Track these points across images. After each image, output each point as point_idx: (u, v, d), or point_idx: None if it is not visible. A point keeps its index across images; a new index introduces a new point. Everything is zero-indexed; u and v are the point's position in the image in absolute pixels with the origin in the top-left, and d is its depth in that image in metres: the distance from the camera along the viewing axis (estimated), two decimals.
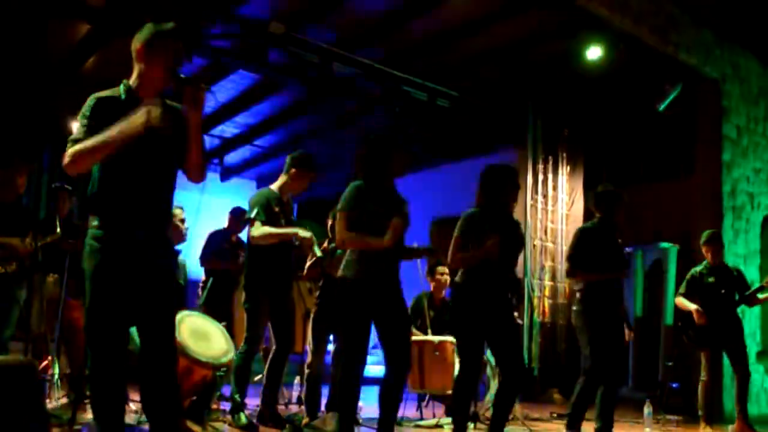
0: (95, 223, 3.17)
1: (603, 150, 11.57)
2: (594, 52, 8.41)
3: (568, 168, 10.82)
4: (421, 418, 6.56)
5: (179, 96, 3.24)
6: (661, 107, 8.78)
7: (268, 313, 5.51)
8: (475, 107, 9.94)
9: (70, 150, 3.07)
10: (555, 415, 7.61)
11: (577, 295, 5.52)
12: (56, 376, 5.92)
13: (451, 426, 5.00)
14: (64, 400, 5.82)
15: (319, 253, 5.52)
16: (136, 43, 3.29)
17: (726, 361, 7.07)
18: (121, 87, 3.26)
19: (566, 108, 10.47)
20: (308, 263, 6.07)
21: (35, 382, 3.14)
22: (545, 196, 10.43)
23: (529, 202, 10.10)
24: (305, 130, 11.40)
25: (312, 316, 6.11)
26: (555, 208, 10.57)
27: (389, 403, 4.43)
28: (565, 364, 10.30)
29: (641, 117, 10.05)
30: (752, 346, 9.30)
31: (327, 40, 8.15)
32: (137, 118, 3.06)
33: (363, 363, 4.43)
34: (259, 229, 5.38)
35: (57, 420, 4.89)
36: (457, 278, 4.90)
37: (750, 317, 9.13)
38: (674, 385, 7.89)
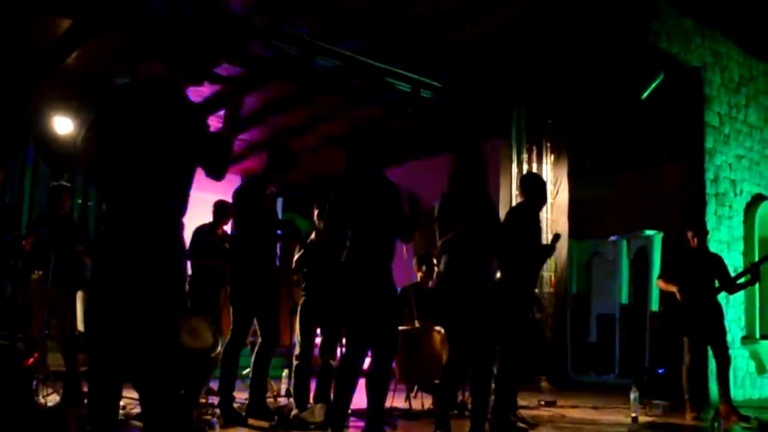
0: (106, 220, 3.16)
1: (586, 139, 11.62)
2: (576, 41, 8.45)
3: (552, 158, 10.87)
4: (410, 409, 6.59)
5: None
6: (643, 96, 8.82)
7: (253, 307, 5.52)
8: (459, 98, 9.96)
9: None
10: (543, 402, 7.66)
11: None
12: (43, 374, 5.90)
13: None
14: (54, 397, 5.81)
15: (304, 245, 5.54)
16: (167, 40, 3.34)
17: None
18: (147, 79, 3.28)
19: (549, 98, 10.50)
20: (296, 256, 6.08)
21: (18, 364, 3.12)
22: None
23: (513, 191, 10.14)
24: (289, 124, 11.37)
25: (299, 308, 6.12)
26: None
27: (377, 392, 4.48)
28: (552, 353, 10.37)
29: (624, 106, 10.09)
30: (737, 331, 9.39)
31: (309, 33, 8.14)
32: None
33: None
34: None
35: (45, 416, 4.88)
36: (440, 267, 4.92)
37: (734, 303, 9.21)
38: (660, 371, 7.96)
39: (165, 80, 3.26)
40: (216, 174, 3.33)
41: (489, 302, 4.76)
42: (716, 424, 5.23)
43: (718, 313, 6.91)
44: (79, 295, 5.17)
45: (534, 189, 6.01)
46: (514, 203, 10.04)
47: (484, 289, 4.73)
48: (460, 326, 4.70)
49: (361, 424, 5.12)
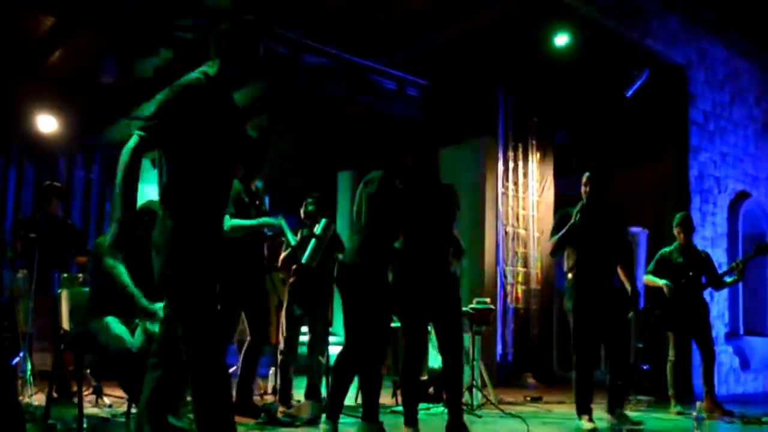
0: (170, 216, 3.16)
1: (572, 137, 11.67)
2: (561, 40, 8.47)
3: (538, 156, 10.91)
4: (397, 404, 6.60)
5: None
6: (629, 94, 8.86)
7: (241, 305, 5.51)
8: (445, 96, 9.97)
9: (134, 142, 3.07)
10: (529, 398, 7.69)
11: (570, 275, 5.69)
12: (29, 372, 5.87)
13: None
14: (39, 396, 5.79)
15: (293, 242, 5.53)
16: (218, 38, 3.31)
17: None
18: (201, 75, 3.25)
19: (535, 96, 10.54)
20: (283, 254, 6.08)
21: (5, 362, 3.09)
22: (516, 184, 10.51)
23: (500, 189, 10.18)
24: (275, 121, 11.36)
25: (285, 305, 6.12)
26: (526, 195, 10.65)
27: (369, 387, 4.55)
28: (538, 349, 10.41)
29: (609, 104, 10.14)
30: (721, 327, 9.46)
31: (296, 32, 8.14)
32: None
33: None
34: (228, 223, 5.38)
35: (31, 415, 4.87)
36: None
37: (718, 299, 9.28)
38: (645, 367, 8.00)
39: (225, 79, 3.29)
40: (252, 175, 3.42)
41: (450, 298, 4.77)
42: (700, 419, 5.25)
43: (703, 309, 6.96)
44: (65, 294, 5.14)
45: None
46: (500, 201, 10.08)
47: (444, 283, 4.77)
48: (414, 319, 4.71)
49: (350, 420, 5.14)
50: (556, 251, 5.79)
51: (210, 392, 3.10)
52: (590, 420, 5.37)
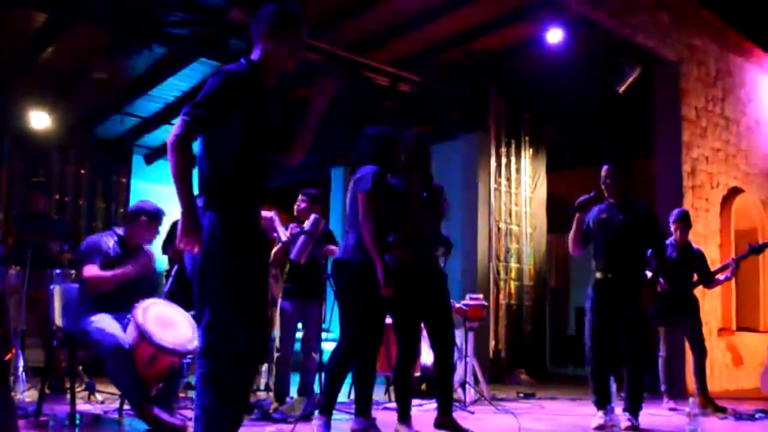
0: (214, 207, 3.05)
1: (565, 133, 11.68)
2: (554, 35, 8.47)
3: (531, 151, 10.92)
4: (390, 401, 6.61)
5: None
6: (621, 89, 8.87)
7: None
8: (438, 92, 9.97)
9: (187, 129, 2.98)
10: (522, 395, 7.71)
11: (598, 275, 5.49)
12: (21, 369, 5.87)
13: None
14: (31, 392, 5.78)
15: (284, 238, 5.52)
16: (263, 23, 3.21)
17: None
18: (246, 63, 3.19)
19: (528, 92, 10.55)
20: (274, 248, 6.06)
21: None
22: (509, 180, 10.51)
23: (492, 185, 10.19)
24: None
25: (279, 302, 6.12)
26: (518, 191, 10.66)
27: (362, 383, 4.59)
28: (530, 345, 10.43)
29: (601, 99, 10.16)
30: (714, 324, 9.49)
31: None
32: None
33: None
34: None
35: (23, 412, 4.86)
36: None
37: (710, 295, 9.30)
38: None
39: (268, 67, 3.24)
40: (298, 159, 3.38)
41: (439, 292, 4.78)
42: (693, 415, 5.27)
43: (693, 305, 6.98)
44: (57, 290, 5.13)
45: None
46: (492, 197, 10.09)
47: (432, 278, 4.78)
48: (406, 315, 4.72)
49: (343, 416, 5.15)
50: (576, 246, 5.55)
51: (223, 387, 2.96)
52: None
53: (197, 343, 4.97)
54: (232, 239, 3.02)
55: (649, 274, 5.72)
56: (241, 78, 3.10)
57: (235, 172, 3.10)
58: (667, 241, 7.01)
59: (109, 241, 4.96)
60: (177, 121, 3.01)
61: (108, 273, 4.80)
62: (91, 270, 4.80)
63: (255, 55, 3.23)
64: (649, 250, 5.68)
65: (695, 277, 7.05)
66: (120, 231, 5.06)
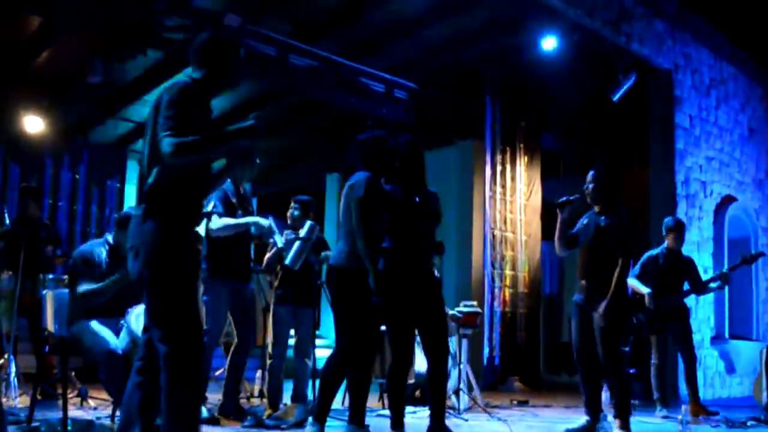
0: (153, 217, 3.19)
1: (559, 140, 11.69)
2: (549, 43, 8.48)
3: (526, 159, 10.93)
4: (383, 407, 6.59)
5: None
6: (615, 97, 8.89)
7: (228, 306, 5.50)
8: (433, 99, 9.98)
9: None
10: (515, 402, 7.70)
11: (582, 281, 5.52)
12: (13, 375, 5.84)
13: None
14: (23, 398, 5.76)
15: (280, 244, 5.52)
16: (194, 50, 3.41)
17: None
18: (189, 79, 3.32)
19: (523, 99, 10.57)
20: (268, 254, 6.05)
21: None
22: (504, 187, 10.52)
23: (488, 193, 10.19)
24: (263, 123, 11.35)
25: (272, 308, 6.10)
26: (513, 198, 10.67)
27: (357, 390, 4.60)
28: (525, 353, 10.42)
29: (596, 107, 10.18)
30: (706, 331, 9.50)
31: (283, 32, 8.12)
32: None
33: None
34: (216, 222, 5.37)
35: (15, 418, 4.83)
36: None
37: (704, 303, 9.32)
38: (631, 371, 8.02)
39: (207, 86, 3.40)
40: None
41: (433, 300, 4.77)
42: (685, 423, 5.27)
43: (683, 313, 6.97)
44: (49, 296, 5.11)
45: None
46: (487, 204, 10.10)
47: (427, 286, 4.76)
48: (401, 323, 4.71)
49: (337, 423, 5.14)
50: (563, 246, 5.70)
51: (184, 396, 3.08)
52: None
53: None
54: (168, 249, 3.13)
55: (632, 281, 5.74)
56: (191, 94, 3.23)
57: (177, 184, 3.20)
58: (658, 250, 7.03)
59: (101, 252, 4.95)
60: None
61: (101, 285, 4.79)
62: (85, 286, 4.80)
63: (196, 75, 3.37)
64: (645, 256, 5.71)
65: (686, 285, 7.05)
66: (110, 238, 5.04)
